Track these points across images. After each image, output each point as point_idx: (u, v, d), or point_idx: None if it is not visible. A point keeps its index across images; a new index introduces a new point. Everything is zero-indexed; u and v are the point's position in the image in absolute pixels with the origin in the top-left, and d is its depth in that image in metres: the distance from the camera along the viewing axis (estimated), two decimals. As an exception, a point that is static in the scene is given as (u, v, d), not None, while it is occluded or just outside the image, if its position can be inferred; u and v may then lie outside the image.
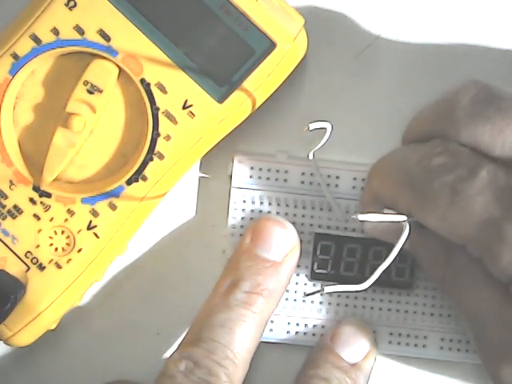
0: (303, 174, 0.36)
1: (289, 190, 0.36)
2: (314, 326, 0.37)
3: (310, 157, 0.34)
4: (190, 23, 0.34)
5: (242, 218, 0.37)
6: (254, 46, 0.34)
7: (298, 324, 0.37)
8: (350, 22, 0.37)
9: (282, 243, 0.35)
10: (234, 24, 0.34)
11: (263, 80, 0.34)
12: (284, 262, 0.35)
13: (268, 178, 0.36)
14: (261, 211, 0.36)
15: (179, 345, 0.35)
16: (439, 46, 0.37)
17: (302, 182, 0.36)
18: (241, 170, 0.36)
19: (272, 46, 0.34)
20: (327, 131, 0.34)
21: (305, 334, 0.37)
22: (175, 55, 0.34)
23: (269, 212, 0.36)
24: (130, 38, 0.34)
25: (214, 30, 0.34)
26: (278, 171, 0.36)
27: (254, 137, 0.37)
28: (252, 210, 0.36)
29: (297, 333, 0.37)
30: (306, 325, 0.37)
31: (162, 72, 0.34)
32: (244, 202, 0.36)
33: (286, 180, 0.36)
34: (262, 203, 0.36)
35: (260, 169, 0.36)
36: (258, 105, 0.35)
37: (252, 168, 0.36)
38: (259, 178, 0.36)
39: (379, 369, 0.37)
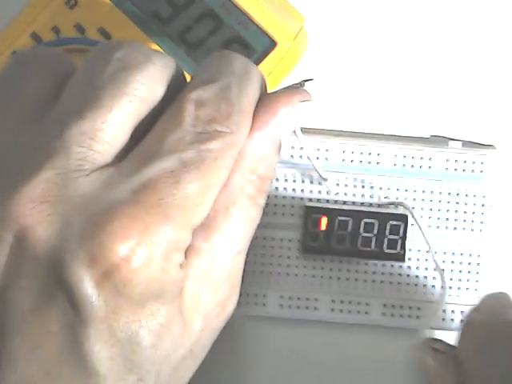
0: (293, 147, 0.36)
1: (278, 163, 0.36)
2: (307, 299, 0.37)
3: (297, 131, 0.33)
4: (191, 22, 0.34)
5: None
6: (255, 44, 0.34)
7: (290, 298, 0.37)
8: (350, 22, 0.38)
9: None
10: (234, 23, 0.34)
11: (264, 79, 0.35)
12: None
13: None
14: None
15: None
16: (438, 46, 0.38)
17: (292, 156, 0.36)
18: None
19: (272, 44, 0.34)
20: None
21: (298, 307, 0.37)
22: (176, 54, 0.34)
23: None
24: (130, 36, 0.34)
25: (215, 29, 0.34)
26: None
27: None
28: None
29: (289, 307, 0.37)
30: (298, 298, 0.37)
31: (163, 70, 0.34)
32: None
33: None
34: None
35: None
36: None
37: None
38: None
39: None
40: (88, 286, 0.24)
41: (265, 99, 0.28)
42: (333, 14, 0.37)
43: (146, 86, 0.27)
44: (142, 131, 0.27)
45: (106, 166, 0.26)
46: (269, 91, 0.29)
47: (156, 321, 0.26)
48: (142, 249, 0.25)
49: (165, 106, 0.27)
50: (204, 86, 0.27)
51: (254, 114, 0.28)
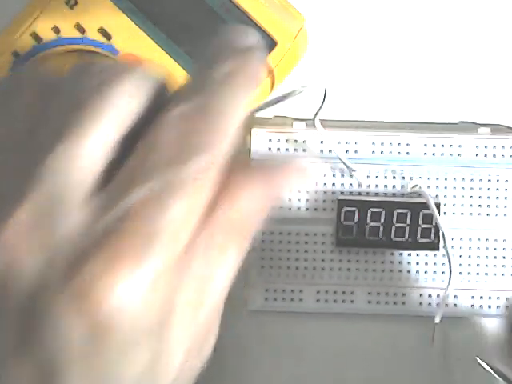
0: (322, 142, 0.36)
1: (308, 158, 0.36)
2: (344, 292, 0.37)
3: (317, 123, 0.33)
4: (191, 22, 0.34)
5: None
6: None
7: (327, 292, 0.37)
8: (351, 22, 0.37)
9: None
10: (234, 22, 0.34)
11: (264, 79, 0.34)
12: None
13: (287, 149, 0.36)
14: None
15: None
16: (439, 47, 0.38)
17: (322, 151, 0.36)
18: (259, 143, 0.36)
19: (273, 44, 0.34)
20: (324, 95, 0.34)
21: (335, 301, 0.37)
22: (176, 54, 0.34)
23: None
24: (130, 36, 0.34)
25: (215, 28, 0.33)
26: (296, 141, 0.36)
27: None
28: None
29: (326, 301, 0.37)
30: (335, 292, 0.37)
31: (163, 71, 0.34)
32: (264, 174, 0.36)
33: (304, 149, 0.36)
34: (282, 174, 0.37)
35: (278, 140, 0.36)
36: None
37: (270, 140, 0.36)
38: (278, 149, 0.36)
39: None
40: (67, 327, 0.24)
41: (264, 168, 0.27)
42: (333, 14, 0.37)
43: (123, 104, 0.26)
44: (122, 151, 0.26)
45: (87, 194, 0.25)
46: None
47: (139, 360, 0.25)
48: (124, 286, 0.24)
49: (146, 122, 0.26)
50: (184, 103, 0.26)
51: (253, 173, 0.27)
